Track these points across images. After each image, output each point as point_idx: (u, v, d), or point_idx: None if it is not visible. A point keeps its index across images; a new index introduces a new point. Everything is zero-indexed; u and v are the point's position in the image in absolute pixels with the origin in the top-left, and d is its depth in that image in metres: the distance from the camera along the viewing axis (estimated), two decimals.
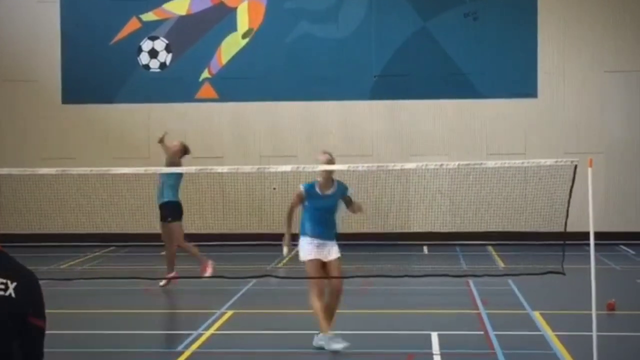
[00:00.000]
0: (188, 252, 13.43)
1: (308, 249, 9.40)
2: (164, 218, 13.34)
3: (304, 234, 9.48)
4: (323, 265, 9.44)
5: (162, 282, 13.12)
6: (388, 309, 11.78)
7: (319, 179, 9.51)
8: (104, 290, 12.98)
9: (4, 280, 3.07)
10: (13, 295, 3.06)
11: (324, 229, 9.46)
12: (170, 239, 13.28)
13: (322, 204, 9.45)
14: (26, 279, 3.14)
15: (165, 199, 13.31)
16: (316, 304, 9.33)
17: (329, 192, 9.51)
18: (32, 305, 3.13)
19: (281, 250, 9.72)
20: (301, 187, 9.58)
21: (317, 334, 9.42)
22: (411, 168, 12.02)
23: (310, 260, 9.38)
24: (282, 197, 18.64)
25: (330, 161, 9.49)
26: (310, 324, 9.72)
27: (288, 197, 18.14)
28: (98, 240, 18.98)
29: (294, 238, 9.60)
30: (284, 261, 9.65)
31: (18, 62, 20.40)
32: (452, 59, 19.71)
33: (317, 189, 9.49)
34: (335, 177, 9.74)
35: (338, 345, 9.19)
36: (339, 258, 9.48)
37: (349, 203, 9.70)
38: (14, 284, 3.08)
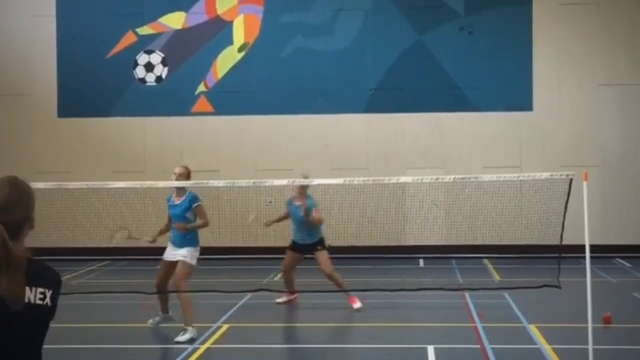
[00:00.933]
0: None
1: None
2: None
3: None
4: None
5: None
6: (384, 322, 11.76)
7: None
8: (99, 305, 12.94)
9: (43, 290, 3.11)
10: (49, 304, 3.13)
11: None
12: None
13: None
14: (58, 286, 3.20)
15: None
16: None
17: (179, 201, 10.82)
18: (56, 307, 3.21)
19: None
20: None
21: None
22: (407, 181, 12.03)
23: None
24: (278, 210, 18.65)
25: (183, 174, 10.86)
26: (307, 338, 9.70)
27: (284, 210, 18.19)
28: (93, 254, 18.94)
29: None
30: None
31: (14, 76, 20.42)
32: (447, 72, 19.76)
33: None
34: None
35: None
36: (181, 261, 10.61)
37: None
38: (50, 292, 3.14)
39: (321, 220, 12.85)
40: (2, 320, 3.02)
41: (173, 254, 10.76)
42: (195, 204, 10.81)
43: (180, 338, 10.36)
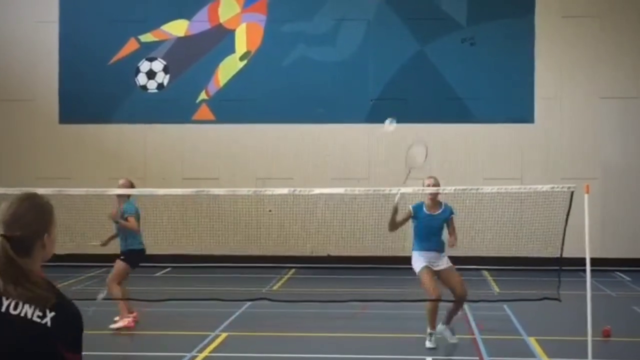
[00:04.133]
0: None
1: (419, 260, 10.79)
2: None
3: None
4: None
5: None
6: (384, 333, 11.73)
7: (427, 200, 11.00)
8: (97, 312, 12.90)
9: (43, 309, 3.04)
10: (49, 324, 3.03)
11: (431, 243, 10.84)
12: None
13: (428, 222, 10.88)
14: (67, 312, 3.10)
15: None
16: (428, 306, 10.55)
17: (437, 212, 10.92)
18: (69, 340, 3.08)
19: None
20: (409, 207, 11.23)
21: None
22: (407, 192, 12.00)
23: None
24: (278, 219, 18.65)
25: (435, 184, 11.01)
26: (306, 348, 9.67)
27: (284, 219, 18.11)
28: (92, 261, 18.90)
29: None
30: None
31: (16, 82, 20.43)
32: (449, 83, 19.77)
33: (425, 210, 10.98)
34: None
35: (452, 339, 10.62)
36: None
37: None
38: (52, 314, 3.04)
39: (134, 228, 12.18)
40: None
41: (439, 263, 10.89)
42: (453, 215, 11.21)
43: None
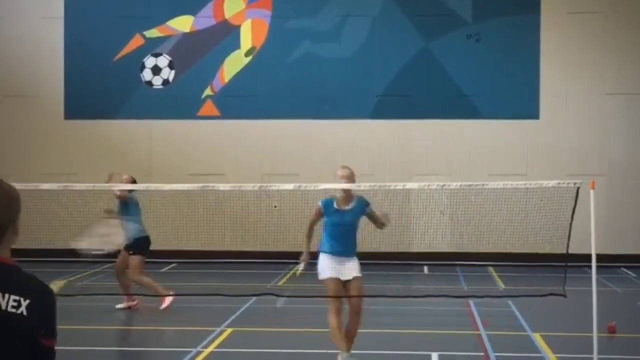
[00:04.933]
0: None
1: (326, 265, 9.18)
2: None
3: (323, 251, 9.28)
4: (342, 284, 9.21)
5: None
6: (388, 328, 11.73)
7: (338, 194, 9.42)
8: (102, 307, 12.93)
9: (17, 298, 2.98)
10: (25, 313, 2.97)
11: (343, 246, 9.24)
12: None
13: (341, 220, 9.28)
14: (40, 297, 3.04)
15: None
16: (332, 321, 9.11)
17: (348, 207, 9.36)
18: (44, 325, 3.03)
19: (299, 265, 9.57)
20: (319, 203, 9.48)
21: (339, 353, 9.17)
22: (413, 188, 11.99)
23: (330, 279, 9.17)
24: (284, 215, 18.63)
25: (348, 176, 9.38)
26: (310, 343, 9.67)
27: (289, 215, 18.10)
28: (98, 256, 18.89)
29: (314, 256, 9.39)
30: (300, 270, 9.44)
31: (21, 78, 20.45)
32: (454, 80, 19.74)
33: (336, 205, 9.36)
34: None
35: None
36: (359, 277, 9.22)
37: (372, 219, 9.51)
38: (27, 301, 2.99)
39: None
40: None
41: (345, 270, 9.32)
42: (369, 207, 9.65)
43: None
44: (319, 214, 9.43)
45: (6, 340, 2.97)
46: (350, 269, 9.22)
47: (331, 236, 9.28)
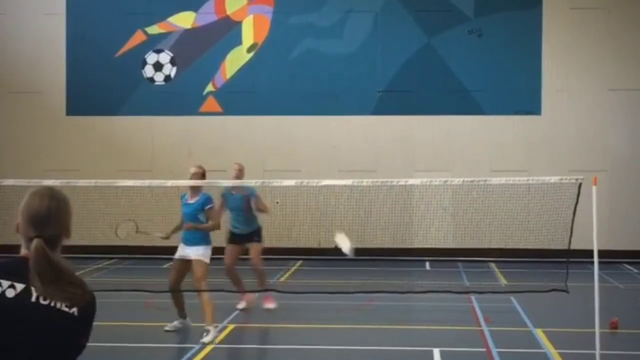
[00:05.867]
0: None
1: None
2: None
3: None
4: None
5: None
6: (390, 324, 11.74)
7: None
8: (105, 303, 12.91)
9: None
10: (76, 314, 3.04)
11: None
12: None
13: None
14: (90, 302, 3.11)
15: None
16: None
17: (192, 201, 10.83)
18: (88, 327, 3.12)
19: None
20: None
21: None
22: (416, 184, 12.00)
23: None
24: (286, 211, 18.65)
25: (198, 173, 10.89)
26: (313, 339, 9.66)
27: (291, 211, 18.14)
28: (100, 252, 18.95)
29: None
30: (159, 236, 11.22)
31: (23, 74, 20.46)
32: (456, 75, 19.74)
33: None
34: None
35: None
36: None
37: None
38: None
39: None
40: (28, 323, 2.98)
41: (186, 252, 10.67)
42: (208, 206, 10.78)
43: (205, 339, 10.21)
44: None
45: (57, 339, 3.05)
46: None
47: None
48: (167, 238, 11.06)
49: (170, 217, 17.39)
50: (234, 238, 12.70)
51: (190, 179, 10.83)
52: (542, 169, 18.96)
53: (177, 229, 11.01)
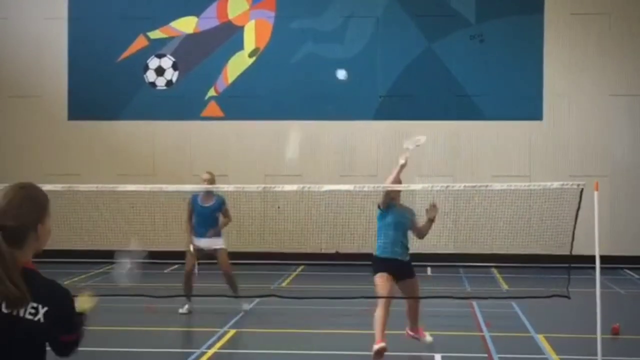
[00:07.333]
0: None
1: None
2: None
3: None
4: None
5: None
6: (392, 329, 11.72)
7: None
8: (105, 308, 12.92)
9: (36, 305, 2.99)
10: (42, 320, 2.99)
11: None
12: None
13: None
14: (59, 303, 3.05)
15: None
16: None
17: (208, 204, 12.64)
18: (63, 327, 3.06)
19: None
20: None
21: None
22: (417, 189, 12.00)
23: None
24: (287, 215, 18.66)
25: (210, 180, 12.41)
26: (314, 345, 9.64)
27: (292, 216, 18.13)
28: (101, 257, 18.92)
29: None
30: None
31: (25, 78, 20.47)
32: (457, 80, 19.74)
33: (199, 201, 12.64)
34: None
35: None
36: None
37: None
38: (45, 309, 3.00)
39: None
40: None
41: (205, 244, 12.58)
42: (225, 206, 12.75)
43: (246, 306, 12.66)
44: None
45: (22, 346, 2.98)
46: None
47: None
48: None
49: (172, 221, 17.45)
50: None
51: (204, 183, 12.41)
52: (543, 175, 18.96)
53: (190, 228, 12.67)
